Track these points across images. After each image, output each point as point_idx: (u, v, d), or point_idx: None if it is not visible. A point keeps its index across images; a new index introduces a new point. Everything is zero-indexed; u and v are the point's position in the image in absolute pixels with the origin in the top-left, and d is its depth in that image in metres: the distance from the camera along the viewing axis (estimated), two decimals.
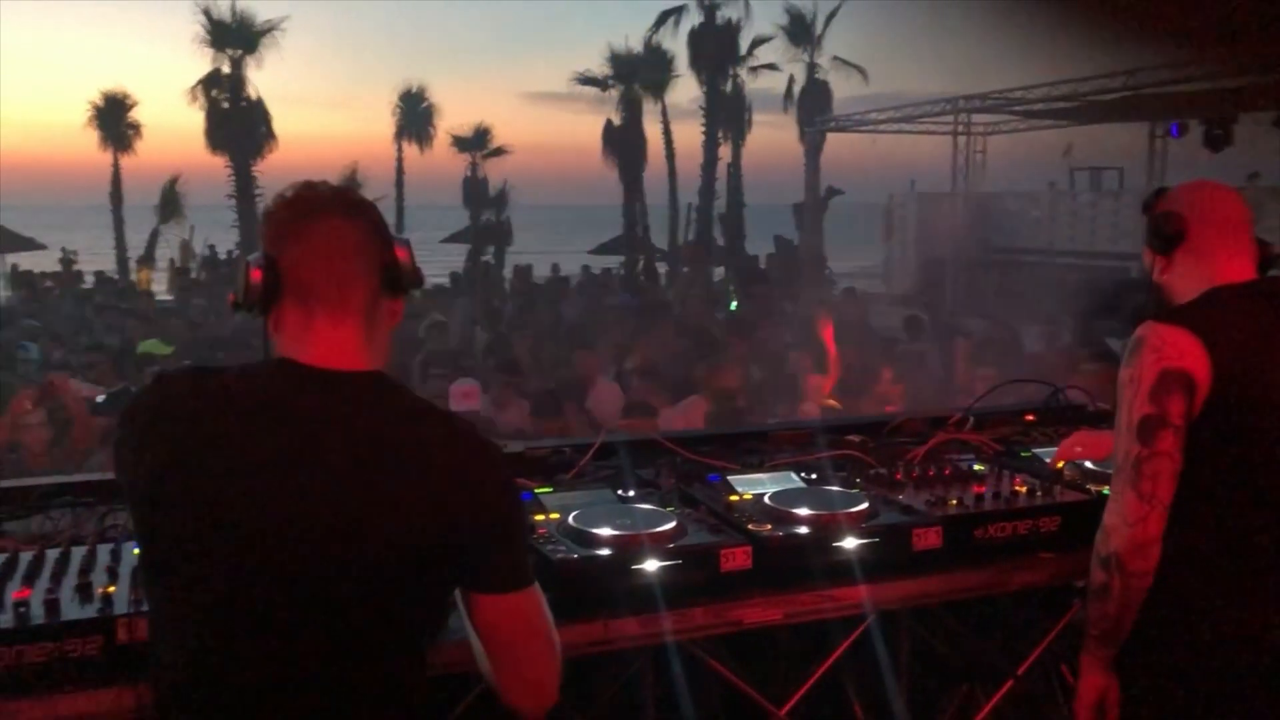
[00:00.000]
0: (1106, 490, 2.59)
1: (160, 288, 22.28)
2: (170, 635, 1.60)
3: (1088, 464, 2.74)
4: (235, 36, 28.12)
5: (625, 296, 16.43)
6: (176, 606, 1.59)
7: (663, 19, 30.80)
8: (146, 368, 7.86)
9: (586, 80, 31.11)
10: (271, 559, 1.53)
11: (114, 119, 29.65)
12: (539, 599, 1.73)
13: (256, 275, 1.65)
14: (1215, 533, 2.14)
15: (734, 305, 15.77)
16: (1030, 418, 3.48)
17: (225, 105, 28.35)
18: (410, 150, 31.23)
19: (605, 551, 2.15)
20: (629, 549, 2.15)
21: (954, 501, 2.48)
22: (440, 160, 31.79)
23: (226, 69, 28.40)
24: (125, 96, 29.86)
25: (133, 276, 25.28)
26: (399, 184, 31.38)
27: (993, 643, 2.78)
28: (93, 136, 29.57)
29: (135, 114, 30.03)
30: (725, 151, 31.24)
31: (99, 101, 29.60)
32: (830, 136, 27.63)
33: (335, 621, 1.56)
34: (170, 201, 29.32)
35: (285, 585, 1.54)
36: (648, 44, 31.02)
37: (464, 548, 1.62)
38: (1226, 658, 2.13)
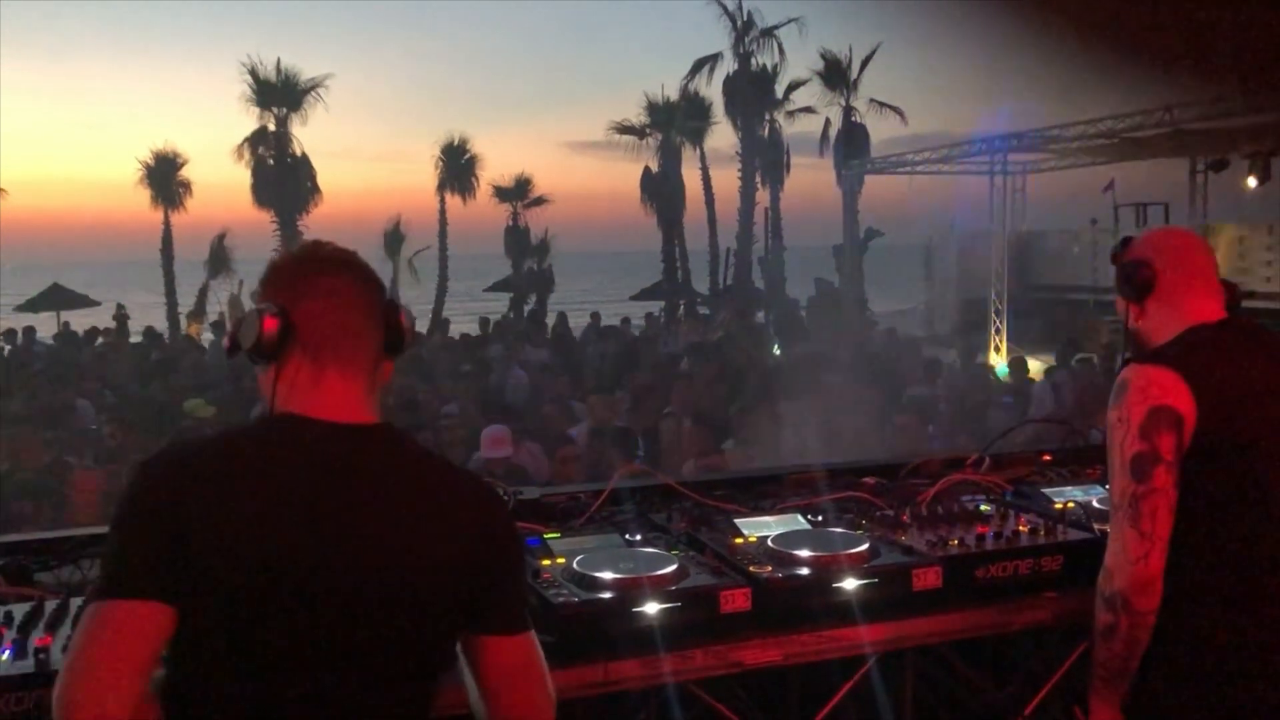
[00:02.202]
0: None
1: (210, 338, 22.67)
2: (208, 685, 1.58)
3: (1095, 503, 2.75)
4: (280, 95, 28.81)
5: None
6: (223, 660, 1.57)
7: (698, 67, 31.15)
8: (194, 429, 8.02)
9: (625, 129, 31.48)
10: (325, 607, 1.57)
11: (164, 177, 30.38)
12: (536, 642, 1.79)
13: (271, 324, 1.67)
14: (1216, 567, 2.16)
15: (776, 349, 15.79)
16: (1047, 457, 3.49)
17: (271, 162, 29.00)
18: (453, 201, 31.65)
19: (606, 594, 2.20)
20: (630, 592, 2.20)
21: (955, 542, 2.50)
22: (482, 211, 32.21)
23: (272, 126, 29.10)
24: (175, 155, 30.61)
25: (184, 330, 25.80)
26: (442, 235, 31.74)
27: (1003, 683, 2.78)
28: (144, 195, 30.31)
29: (185, 172, 30.74)
30: (765, 195, 31.40)
31: (150, 160, 30.38)
32: (868, 178, 27.69)
33: (376, 661, 1.62)
34: (219, 256, 29.92)
35: (340, 629, 1.59)
36: (684, 92, 31.35)
37: (481, 589, 1.69)
38: (1234, 693, 2.13)
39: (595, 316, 19.62)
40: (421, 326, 22.28)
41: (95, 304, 26.02)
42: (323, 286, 1.71)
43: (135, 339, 19.07)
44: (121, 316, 22.25)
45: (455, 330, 18.98)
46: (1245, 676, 2.14)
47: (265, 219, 29.33)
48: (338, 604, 1.58)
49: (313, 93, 29.03)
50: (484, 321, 19.37)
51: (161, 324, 25.47)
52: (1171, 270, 2.30)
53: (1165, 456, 2.09)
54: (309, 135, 29.28)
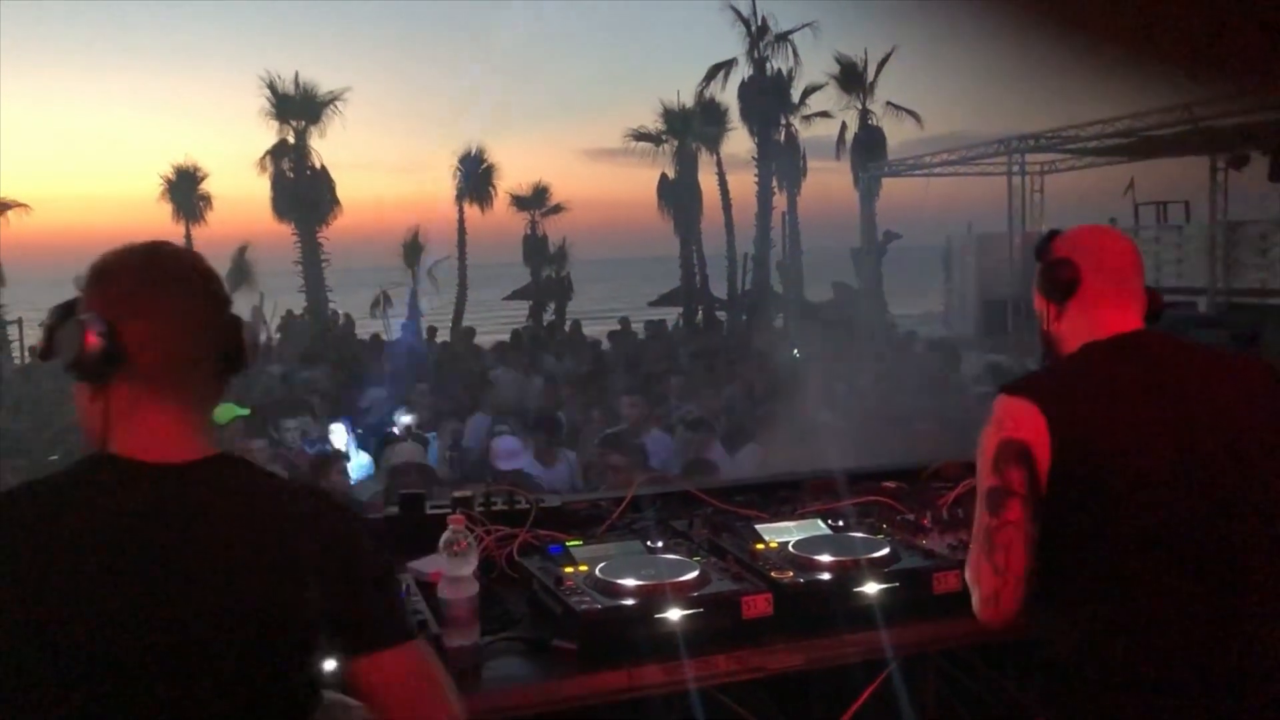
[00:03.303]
0: None
1: None
2: None
3: None
4: (299, 108, 28.98)
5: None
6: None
7: (713, 73, 31.17)
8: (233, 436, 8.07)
9: (641, 136, 31.52)
10: (144, 674, 1.43)
11: (185, 191, 30.64)
12: (424, 650, 1.67)
13: (94, 341, 1.49)
14: (1079, 603, 2.01)
15: (796, 353, 15.78)
16: None
17: (290, 174, 29.18)
18: (471, 210, 31.76)
19: (629, 601, 2.22)
20: (652, 598, 2.22)
21: None
22: (501, 219, 32.29)
23: (291, 139, 29.29)
24: (196, 169, 30.88)
25: None
26: (461, 244, 31.85)
27: (1025, 684, 2.78)
28: (166, 209, 30.59)
29: (205, 186, 31.01)
30: (782, 200, 31.39)
31: (171, 175, 30.66)
32: (886, 181, 27.66)
33: (222, 708, 1.48)
34: (240, 269, 30.13)
35: (167, 693, 1.44)
36: (700, 98, 31.38)
37: (338, 610, 1.56)
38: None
39: (624, 322, 19.56)
40: (443, 335, 22.36)
41: None
42: (161, 307, 1.53)
43: None
44: None
45: (481, 339, 18.96)
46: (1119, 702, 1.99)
47: (286, 231, 29.52)
48: (160, 667, 1.43)
49: (331, 105, 29.21)
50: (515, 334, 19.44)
51: None
52: (1094, 272, 2.14)
53: (1018, 490, 1.96)
54: (328, 147, 29.42)
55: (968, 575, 2.06)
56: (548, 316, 28.59)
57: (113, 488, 1.49)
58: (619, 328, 18.89)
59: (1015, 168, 20.71)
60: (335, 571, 1.55)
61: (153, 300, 1.53)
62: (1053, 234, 2.27)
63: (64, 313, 1.56)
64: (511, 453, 6.35)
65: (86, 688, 1.42)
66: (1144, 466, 1.96)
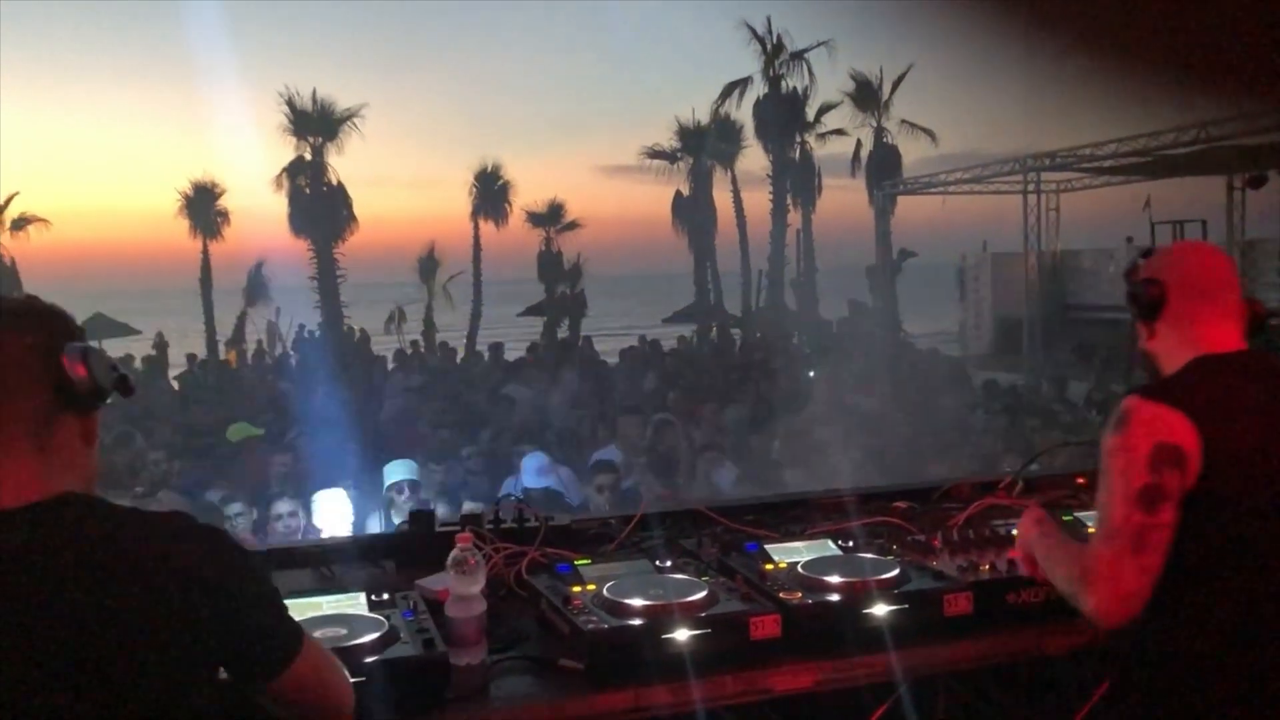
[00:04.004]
0: None
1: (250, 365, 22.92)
2: None
3: None
4: (317, 125, 29.15)
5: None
6: None
7: (728, 90, 31.26)
8: (243, 452, 8.11)
9: (656, 154, 31.62)
10: None
11: (203, 207, 30.84)
12: (312, 641, 1.68)
13: None
14: (1207, 609, 2.06)
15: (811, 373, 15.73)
16: (1081, 480, 3.47)
17: (307, 191, 29.34)
18: (486, 227, 31.90)
19: (637, 621, 2.21)
20: (660, 618, 2.21)
21: (987, 566, 2.50)
22: (516, 235, 32.42)
23: (309, 156, 29.46)
24: (214, 185, 31.09)
25: (222, 358, 26.11)
26: (476, 260, 31.97)
27: (1038, 707, 2.76)
28: (183, 224, 30.80)
29: (223, 202, 31.22)
30: (797, 217, 31.42)
31: (189, 191, 30.87)
32: (901, 198, 27.64)
33: None
34: (256, 285, 30.30)
35: None
36: (715, 115, 31.46)
37: (229, 638, 1.53)
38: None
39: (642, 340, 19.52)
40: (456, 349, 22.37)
41: (136, 332, 26.40)
42: None
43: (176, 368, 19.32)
44: (161, 344, 22.59)
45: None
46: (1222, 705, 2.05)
47: (302, 247, 29.67)
48: None
49: (349, 122, 29.38)
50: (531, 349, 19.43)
51: (201, 351, 25.77)
52: (1180, 290, 2.18)
53: (1172, 493, 1.99)
54: (344, 164, 29.57)
55: (1088, 567, 2.02)
56: (562, 333, 28.60)
57: None
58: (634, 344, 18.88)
59: (1031, 186, 20.68)
60: (212, 596, 1.50)
61: None
62: (1145, 252, 2.32)
63: None
64: (541, 469, 6.32)
65: None
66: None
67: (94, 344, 1.63)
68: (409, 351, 20.27)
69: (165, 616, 1.45)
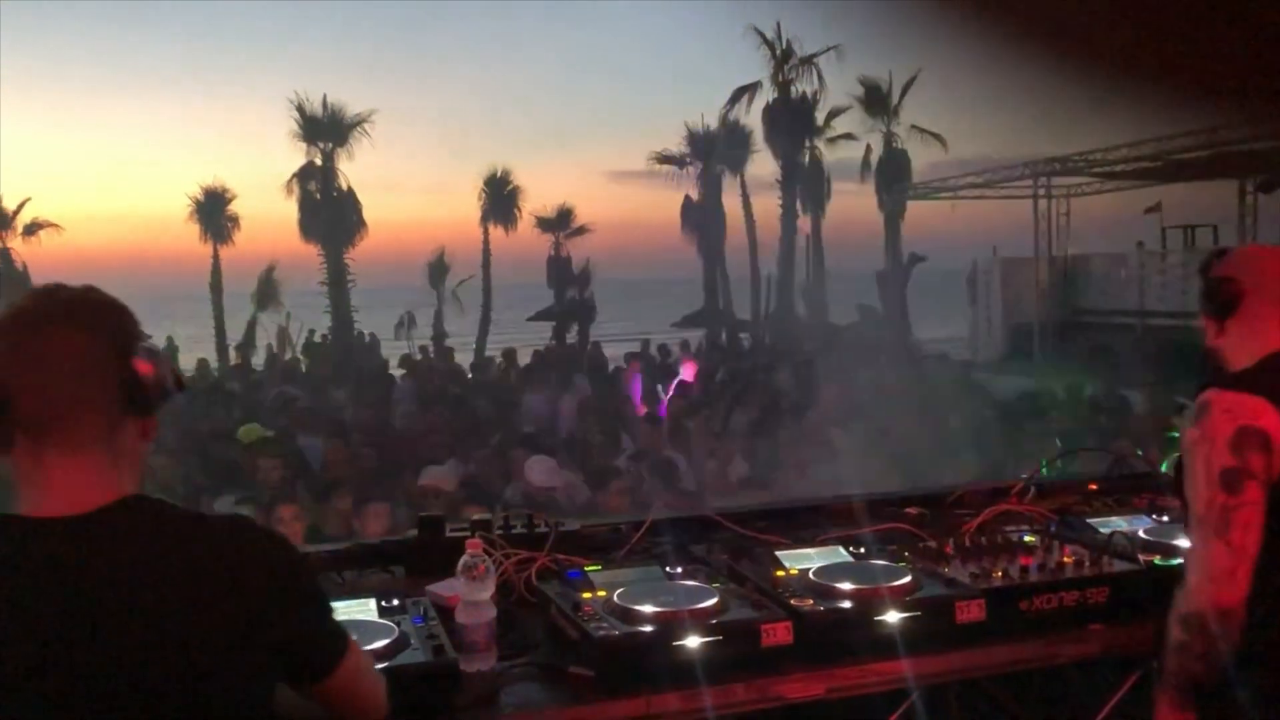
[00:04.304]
0: (1158, 560, 2.58)
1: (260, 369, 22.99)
2: None
3: (1141, 533, 2.72)
4: (327, 130, 29.25)
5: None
6: None
7: (737, 95, 31.27)
8: (257, 456, 8.12)
9: (665, 159, 31.65)
10: None
11: (214, 212, 30.94)
12: (356, 646, 1.71)
13: None
14: None
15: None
16: (1093, 486, 3.46)
17: (318, 196, 29.43)
18: (496, 232, 31.94)
19: (647, 628, 2.21)
20: (671, 625, 2.20)
21: (999, 573, 2.48)
22: (525, 240, 32.45)
23: (319, 161, 29.55)
24: (224, 190, 31.19)
25: (233, 362, 26.18)
26: (485, 265, 32.02)
27: (1051, 716, 2.74)
28: (194, 229, 30.90)
29: (233, 206, 31.32)
30: (806, 222, 31.40)
31: (199, 196, 30.97)
32: (911, 203, 27.63)
33: None
34: (267, 289, 30.36)
35: None
36: (724, 121, 31.47)
37: (282, 640, 1.53)
38: None
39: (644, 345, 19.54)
40: (464, 354, 22.41)
41: (146, 337, 26.44)
42: (37, 355, 1.47)
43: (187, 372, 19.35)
44: (171, 349, 22.68)
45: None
46: None
47: (312, 252, 29.76)
48: None
49: (359, 127, 29.47)
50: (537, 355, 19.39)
51: (212, 356, 25.85)
52: (1257, 290, 2.23)
53: (1257, 473, 2.02)
54: (355, 169, 29.76)
55: (1188, 560, 2.08)
56: (570, 338, 28.61)
57: (11, 551, 1.43)
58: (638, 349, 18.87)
59: (1041, 191, 20.65)
60: (270, 599, 1.51)
61: (33, 350, 1.47)
62: (1220, 251, 2.37)
63: None
64: (548, 471, 6.35)
65: None
66: None
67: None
68: (418, 356, 20.28)
69: (230, 618, 1.47)
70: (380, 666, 2.00)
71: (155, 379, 1.55)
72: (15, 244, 30.35)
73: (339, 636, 1.66)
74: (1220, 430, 2.04)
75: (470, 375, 17.01)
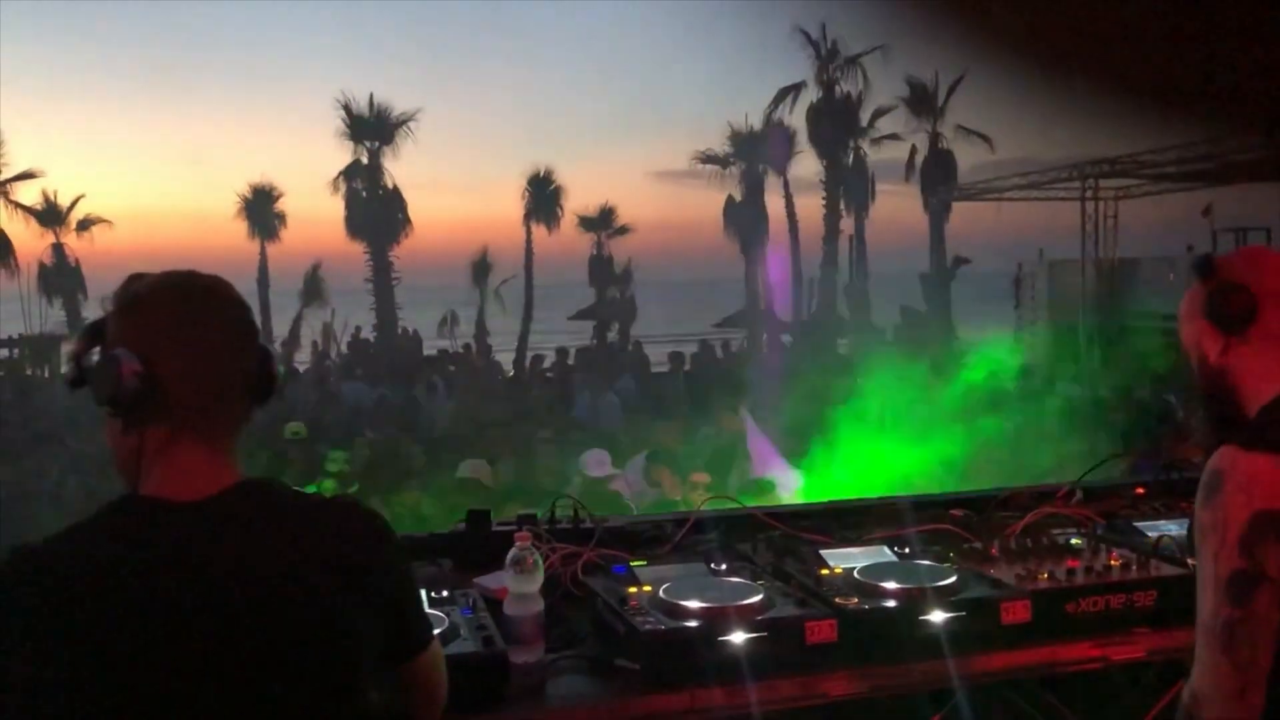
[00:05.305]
0: None
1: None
2: None
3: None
4: (373, 129, 29.57)
5: None
6: None
7: (781, 95, 31.18)
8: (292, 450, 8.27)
9: (709, 159, 31.62)
10: (199, 705, 1.44)
11: (261, 210, 31.40)
12: (436, 640, 1.81)
13: (132, 376, 1.47)
14: None
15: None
16: (1141, 491, 3.43)
17: (364, 194, 29.74)
18: (538, 231, 32.10)
19: (693, 623, 2.23)
20: (716, 621, 2.22)
21: (1045, 575, 2.48)
22: (567, 240, 32.59)
23: (365, 160, 29.85)
24: (272, 188, 31.64)
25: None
26: (528, 264, 32.19)
27: None
28: (242, 226, 31.38)
29: (281, 204, 31.75)
30: (849, 223, 31.27)
31: (248, 193, 31.43)
32: (956, 205, 27.39)
33: None
34: (313, 286, 30.74)
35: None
36: (768, 120, 31.39)
37: (384, 620, 1.59)
38: None
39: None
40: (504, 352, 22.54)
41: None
42: (196, 342, 1.52)
43: None
44: None
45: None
46: None
47: (358, 250, 30.09)
48: (205, 707, 1.43)
49: (404, 126, 29.73)
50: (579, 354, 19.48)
51: None
52: (1274, 300, 1.91)
53: (1271, 575, 1.72)
54: (400, 168, 29.98)
55: (1197, 671, 1.82)
56: (611, 336, 28.69)
57: (140, 533, 1.47)
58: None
59: (1089, 193, 20.39)
60: (376, 580, 1.57)
61: (188, 336, 1.51)
62: (1212, 255, 2.04)
63: (90, 338, 1.57)
64: (600, 463, 6.49)
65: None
66: None
67: None
68: (460, 351, 20.43)
69: (342, 597, 1.52)
70: None
71: (276, 370, 1.64)
72: (69, 239, 30.96)
73: (426, 623, 1.75)
74: (1233, 518, 1.75)
75: (513, 373, 17.14)
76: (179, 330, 1.51)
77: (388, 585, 1.60)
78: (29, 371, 21.65)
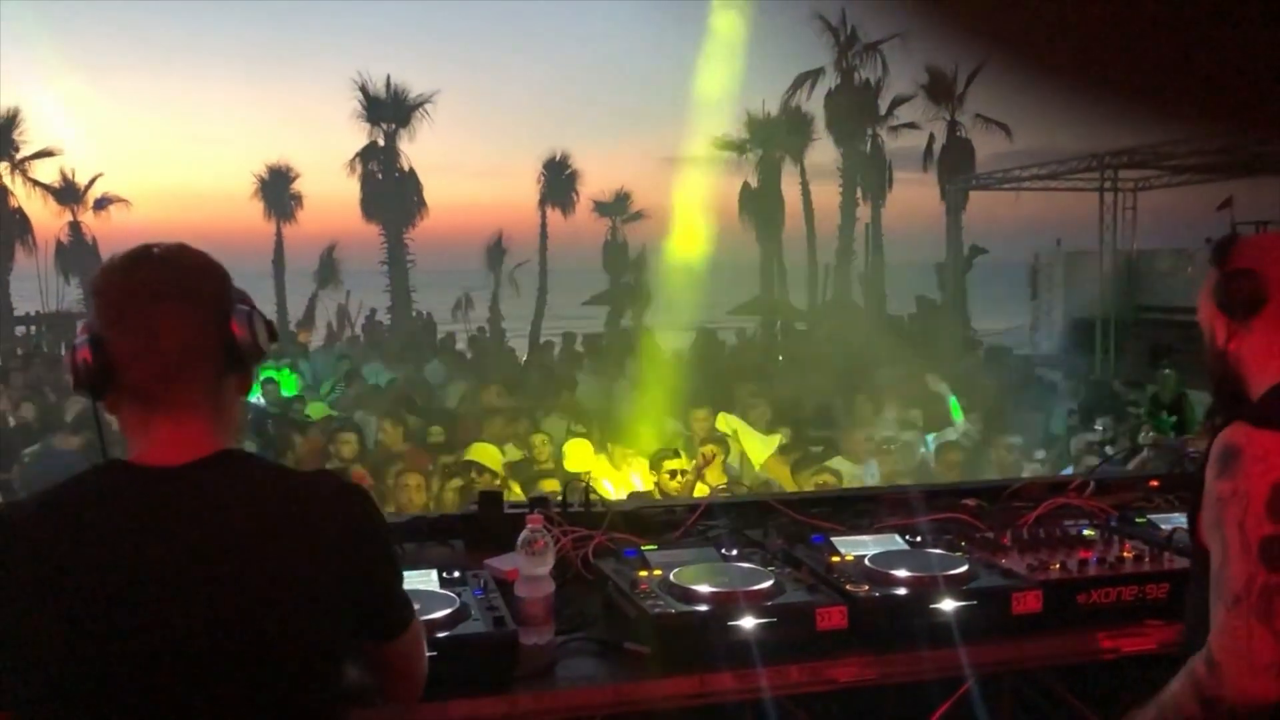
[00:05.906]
0: None
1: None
2: None
3: None
4: (389, 111, 29.60)
5: None
6: None
7: (799, 82, 31.04)
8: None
9: (725, 145, 31.53)
10: (175, 674, 1.46)
11: (278, 190, 31.47)
12: (419, 631, 1.79)
13: (85, 359, 1.52)
14: None
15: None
16: (1155, 483, 3.42)
17: (380, 176, 29.78)
18: (554, 215, 32.12)
19: (703, 607, 2.23)
20: (726, 605, 2.22)
21: (1056, 566, 2.47)
22: (582, 225, 32.62)
23: (381, 142, 29.88)
24: (288, 169, 31.71)
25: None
26: (542, 249, 32.23)
27: (1108, 710, 2.72)
28: (258, 207, 31.49)
29: (297, 185, 31.82)
30: (866, 211, 31.16)
31: (264, 174, 31.50)
32: (973, 194, 27.26)
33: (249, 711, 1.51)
34: (328, 267, 30.86)
35: (199, 692, 1.47)
36: (785, 107, 31.26)
37: (361, 596, 1.59)
38: None
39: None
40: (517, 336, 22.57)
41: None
42: (147, 317, 1.52)
43: None
44: None
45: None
46: None
47: (373, 231, 30.19)
48: (174, 670, 1.45)
49: (420, 109, 29.73)
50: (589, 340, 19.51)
51: None
52: None
53: None
54: (416, 150, 30.02)
55: (1222, 642, 1.77)
56: (625, 322, 28.68)
57: (114, 494, 1.51)
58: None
59: (1107, 184, 20.27)
60: (350, 555, 1.56)
61: (134, 317, 1.52)
62: (1230, 239, 2.03)
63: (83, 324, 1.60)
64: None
65: (106, 693, 1.45)
66: None
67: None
68: (474, 334, 20.49)
69: (316, 571, 1.53)
70: (441, 635, 2.05)
71: (252, 338, 1.60)
72: (86, 218, 31.13)
73: (408, 602, 1.72)
74: (1255, 487, 1.74)
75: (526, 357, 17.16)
76: (125, 312, 1.52)
77: (363, 561, 1.59)
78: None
